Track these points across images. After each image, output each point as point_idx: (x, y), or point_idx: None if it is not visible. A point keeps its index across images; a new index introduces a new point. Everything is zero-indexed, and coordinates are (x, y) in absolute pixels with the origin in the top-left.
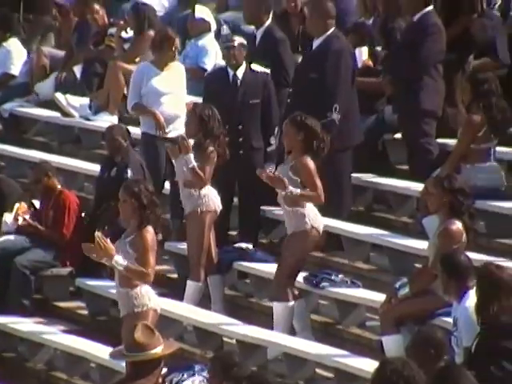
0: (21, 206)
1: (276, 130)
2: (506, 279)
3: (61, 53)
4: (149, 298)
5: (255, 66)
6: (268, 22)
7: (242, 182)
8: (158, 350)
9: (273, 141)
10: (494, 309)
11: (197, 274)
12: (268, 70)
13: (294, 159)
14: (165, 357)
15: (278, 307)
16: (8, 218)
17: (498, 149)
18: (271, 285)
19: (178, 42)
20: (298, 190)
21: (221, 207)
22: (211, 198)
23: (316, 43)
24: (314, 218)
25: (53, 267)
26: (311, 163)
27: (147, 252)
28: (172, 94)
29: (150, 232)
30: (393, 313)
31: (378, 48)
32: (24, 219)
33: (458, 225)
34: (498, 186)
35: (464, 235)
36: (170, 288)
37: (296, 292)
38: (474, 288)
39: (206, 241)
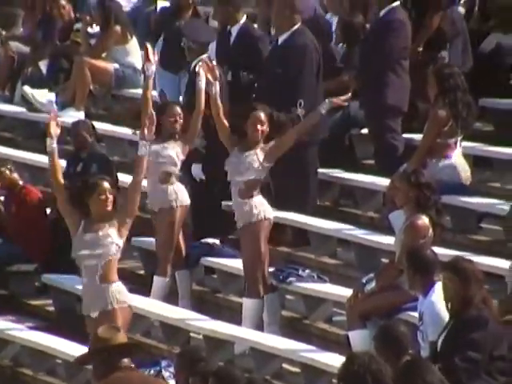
0: None
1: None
2: (476, 273)
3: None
4: (126, 293)
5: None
6: (243, 20)
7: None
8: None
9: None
10: (465, 302)
11: (164, 269)
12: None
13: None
14: (127, 346)
15: (247, 302)
16: None
17: (464, 143)
18: (238, 280)
19: None
20: None
21: (189, 202)
22: (183, 192)
23: (282, 38)
24: (265, 208)
25: (18, 263)
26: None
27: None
28: None
29: None
30: (359, 307)
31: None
32: None
33: (423, 219)
34: (463, 181)
35: (430, 230)
36: (137, 284)
37: (270, 285)
38: (441, 282)
39: (176, 236)
